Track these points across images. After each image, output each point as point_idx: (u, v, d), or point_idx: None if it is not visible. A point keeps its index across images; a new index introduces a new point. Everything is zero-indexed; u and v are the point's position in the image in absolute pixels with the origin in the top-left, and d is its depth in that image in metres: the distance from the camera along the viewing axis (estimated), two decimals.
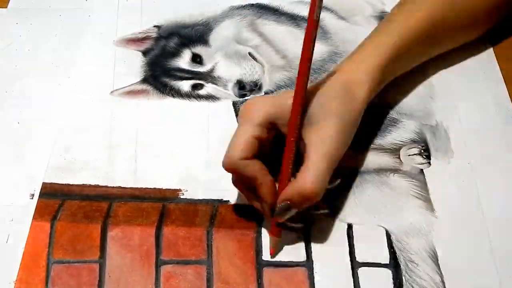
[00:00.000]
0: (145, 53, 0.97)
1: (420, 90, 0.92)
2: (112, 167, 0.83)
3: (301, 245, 0.75)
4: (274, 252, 0.74)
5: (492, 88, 0.92)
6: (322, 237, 0.76)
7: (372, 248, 0.75)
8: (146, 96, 0.92)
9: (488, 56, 0.95)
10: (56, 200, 0.79)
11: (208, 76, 0.93)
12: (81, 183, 0.81)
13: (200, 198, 0.80)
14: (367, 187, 0.81)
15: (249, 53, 0.95)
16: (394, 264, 0.74)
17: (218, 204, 0.79)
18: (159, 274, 0.72)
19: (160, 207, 0.78)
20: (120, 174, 0.82)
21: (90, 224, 0.76)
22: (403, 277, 0.72)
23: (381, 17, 1.02)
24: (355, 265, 0.73)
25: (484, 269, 0.73)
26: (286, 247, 0.75)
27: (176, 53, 0.95)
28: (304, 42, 0.70)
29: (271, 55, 0.96)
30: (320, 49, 0.97)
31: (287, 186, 0.69)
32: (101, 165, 0.83)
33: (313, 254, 0.74)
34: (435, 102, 0.90)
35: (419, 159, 0.84)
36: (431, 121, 0.88)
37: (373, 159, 0.84)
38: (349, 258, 0.74)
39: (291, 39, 0.98)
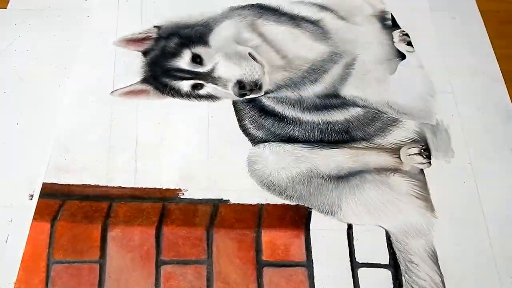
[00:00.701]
0: (145, 53, 0.96)
1: (420, 89, 0.92)
2: (112, 167, 0.83)
3: (301, 245, 0.75)
4: None
5: (493, 88, 0.92)
6: (322, 237, 0.76)
7: (372, 249, 0.75)
8: (146, 96, 0.92)
9: (488, 56, 0.95)
10: (56, 200, 0.79)
11: (208, 76, 0.93)
12: (81, 183, 0.81)
13: (200, 198, 0.80)
14: (367, 186, 0.81)
15: (249, 53, 0.95)
16: (394, 265, 0.74)
17: (218, 204, 0.79)
18: (159, 274, 0.72)
19: (160, 207, 0.78)
20: (120, 174, 0.82)
21: (90, 224, 0.76)
22: (403, 278, 0.72)
23: (381, 17, 1.02)
24: (355, 266, 0.73)
25: (484, 269, 0.73)
26: (286, 247, 0.75)
27: (176, 54, 0.95)
28: None
29: (271, 55, 0.96)
30: (320, 49, 0.96)
31: None
32: (101, 165, 0.83)
33: (313, 254, 0.74)
34: (435, 101, 0.90)
35: (419, 158, 0.84)
36: (431, 120, 0.88)
37: (373, 158, 0.84)
38: (349, 259, 0.74)
39: (291, 40, 0.98)
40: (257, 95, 0.91)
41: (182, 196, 0.80)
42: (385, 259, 0.74)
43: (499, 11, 1.05)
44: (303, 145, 0.85)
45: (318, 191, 0.80)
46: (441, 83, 0.93)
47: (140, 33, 0.99)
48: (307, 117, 0.89)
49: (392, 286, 0.72)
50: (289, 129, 0.88)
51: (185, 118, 0.89)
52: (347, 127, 0.88)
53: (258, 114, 0.90)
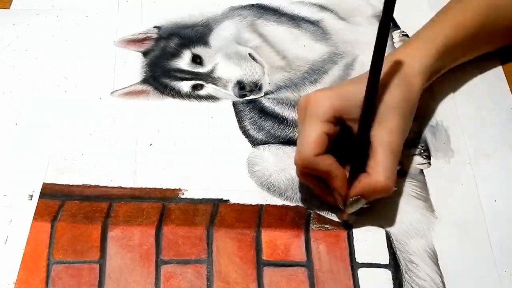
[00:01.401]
0: (145, 53, 0.97)
1: None
2: (112, 167, 0.83)
3: (301, 245, 0.75)
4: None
5: (493, 87, 0.92)
6: (322, 237, 0.76)
7: (372, 249, 0.75)
8: (146, 96, 0.92)
9: (490, 56, 0.95)
10: (56, 201, 0.79)
11: (208, 77, 0.93)
12: (81, 184, 0.81)
13: (200, 197, 0.80)
14: None
15: (249, 54, 0.95)
16: (394, 265, 0.74)
17: (218, 203, 0.79)
18: (159, 274, 0.72)
19: (160, 207, 0.78)
20: (120, 174, 0.82)
21: (90, 225, 0.76)
22: (403, 278, 0.73)
23: None
24: (355, 266, 0.73)
25: (484, 269, 0.73)
26: (286, 247, 0.75)
27: (176, 54, 0.95)
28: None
29: (271, 55, 0.96)
30: (320, 50, 0.97)
31: (359, 181, 0.70)
32: (101, 165, 0.83)
33: (313, 254, 0.74)
34: (435, 101, 0.90)
35: (419, 159, 0.84)
36: (431, 121, 0.88)
37: None
38: (349, 259, 0.74)
39: (291, 40, 0.98)
40: (257, 96, 0.91)
41: (182, 196, 0.80)
42: (385, 259, 0.74)
43: None
44: None
45: None
46: (441, 83, 0.93)
47: (140, 33, 0.99)
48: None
49: (392, 286, 0.72)
50: (289, 131, 0.88)
51: (185, 119, 0.89)
52: None
53: (258, 116, 0.90)
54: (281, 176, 0.82)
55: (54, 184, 0.81)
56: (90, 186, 0.81)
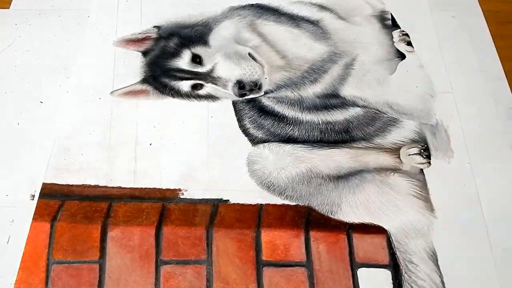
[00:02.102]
0: (145, 53, 0.96)
1: (420, 89, 0.92)
2: (112, 167, 0.83)
3: (301, 245, 0.75)
4: None
5: (493, 87, 0.92)
6: (322, 237, 0.76)
7: (372, 249, 0.75)
8: (146, 96, 0.92)
9: (489, 56, 0.95)
10: (56, 201, 0.79)
11: (208, 76, 0.93)
12: (81, 184, 0.81)
13: (200, 198, 0.80)
14: (367, 186, 0.81)
15: (249, 54, 0.95)
16: (393, 265, 0.74)
17: (218, 203, 0.79)
18: (159, 274, 0.72)
19: (160, 207, 0.78)
20: (120, 174, 0.82)
21: (90, 225, 0.76)
22: (403, 278, 0.72)
23: (381, 16, 1.02)
24: (354, 266, 0.73)
25: (484, 269, 0.73)
26: (286, 247, 0.75)
27: (176, 54, 0.95)
28: None
29: (270, 55, 0.96)
30: (320, 49, 0.96)
31: None
32: (101, 165, 0.83)
33: (313, 254, 0.74)
34: (435, 101, 0.90)
35: (419, 158, 0.84)
36: (431, 120, 0.88)
37: (373, 158, 0.84)
38: (348, 259, 0.74)
39: (291, 40, 0.98)
40: (256, 95, 0.91)
41: (181, 196, 0.80)
42: (384, 259, 0.74)
43: (499, 11, 1.05)
44: (303, 145, 0.85)
45: (317, 191, 0.80)
46: (441, 83, 0.93)
47: (140, 33, 0.99)
48: (307, 117, 0.89)
49: (392, 286, 0.72)
50: (289, 129, 0.88)
51: (185, 118, 0.89)
52: (347, 127, 0.88)
53: (258, 114, 0.90)
54: (281, 175, 0.82)
55: (54, 184, 0.81)
56: (90, 186, 0.81)
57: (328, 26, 1.00)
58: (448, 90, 0.92)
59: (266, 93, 0.92)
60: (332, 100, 0.91)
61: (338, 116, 0.89)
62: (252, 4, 1.03)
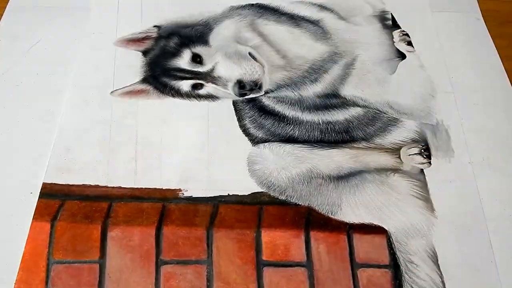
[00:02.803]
0: (145, 53, 0.96)
1: (421, 89, 0.92)
2: (112, 167, 0.83)
3: (301, 245, 0.75)
4: None
5: (493, 87, 0.92)
6: (322, 237, 0.76)
7: (372, 249, 0.75)
8: (146, 96, 0.92)
9: (490, 55, 0.95)
10: (56, 201, 0.78)
11: (208, 76, 0.93)
12: (81, 184, 0.81)
13: (200, 198, 0.80)
14: (367, 186, 0.81)
15: (249, 53, 0.95)
16: (393, 265, 0.74)
17: (218, 204, 0.79)
18: (159, 274, 0.72)
19: (160, 207, 0.78)
20: (120, 174, 0.82)
21: (90, 225, 0.76)
22: (403, 278, 0.72)
23: (381, 16, 1.02)
24: (355, 266, 0.73)
25: (484, 269, 0.73)
26: (286, 248, 0.75)
27: (176, 53, 0.95)
28: None
29: (271, 55, 0.96)
30: (320, 49, 0.96)
31: None
32: (101, 165, 0.83)
33: (313, 254, 0.74)
34: (435, 101, 0.90)
35: (420, 158, 0.84)
36: (432, 120, 0.88)
37: (373, 158, 0.84)
38: (348, 259, 0.74)
39: (291, 39, 0.98)
40: (257, 95, 0.91)
41: (182, 196, 0.80)
42: (385, 259, 0.74)
43: (499, 11, 1.05)
44: (303, 145, 0.85)
45: (318, 191, 0.80)
46: (441, 82, 0.93)
47: (140, 32, 0.99)
48: (307, 117, 0.89)
49: (392, 286, 0.72)
50: (289, 129, 0.88)
51: (185, 118, 0.89)
52: (347, 127, 0.88)
53: (258, 114, 0.90)
54: (281, 175, 0.82)
55: (54, 183, 0.80)
56: (90, 186, 0.81)
57: (329, 26, 1.00)
58: (448, 90, 0.92)
59: (266, 92, 0.92)
60: (332, 100, 0.91)
61: (338, 116, 0.89)
62: (253, 4, 1.03)
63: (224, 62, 0.94)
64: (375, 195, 0.80)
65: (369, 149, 0.85)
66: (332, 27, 1.00)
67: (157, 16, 1.01)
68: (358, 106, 0.90)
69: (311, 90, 0.92)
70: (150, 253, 0.74)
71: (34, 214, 0.77)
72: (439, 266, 0.73)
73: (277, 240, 0.75)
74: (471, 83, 0.93)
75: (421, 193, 0.80)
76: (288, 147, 0.85)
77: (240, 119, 0.89)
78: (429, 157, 0.84)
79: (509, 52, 0.96)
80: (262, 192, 0.80)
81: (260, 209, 0.78)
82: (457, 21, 1.02)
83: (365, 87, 0.91)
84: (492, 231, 0.76)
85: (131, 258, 0.73)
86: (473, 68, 0.94)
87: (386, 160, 0.84)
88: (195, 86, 0.92)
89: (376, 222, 0.78)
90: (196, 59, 0.94)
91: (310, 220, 0.77)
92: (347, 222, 0.77)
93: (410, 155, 0.84)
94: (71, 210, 0.78)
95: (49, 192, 0.80)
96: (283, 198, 0.80)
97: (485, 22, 1.02)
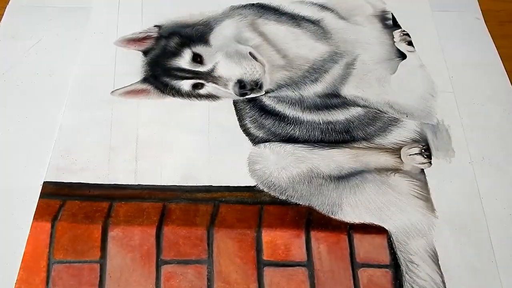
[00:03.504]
0: (145, 52, 0.96)
1: (421, 89, 0.92)
2: (112, 167, 0.83)
3: (302, 245, 0.75)
4: None
5: (493, 87, 0.92)
6: (322, 237, 0.76)
7: (372, 249, 0.75)
8: (147, 95, 0.92)
9: (490, 55, 0.95)
10: (57, 200, 0.78)
11: (209, 76, 0.93)
12: (82, 183, 0.81)
13: (201, 197, 0.80)
14: (367, 186, 0.81)
15: (250, 53, 0.95)
16: (394, 265, 0.74)
17: (218, 203, 0.79)
18: (160, 274, 0.72)
19: (161, 207, 0.78)
20: (121, 174, 0.82)
21: (90, 224, 0.76)
22: (403, 278, 0.73)
23: (382, 16, 1.02)
24: (355, 266, 0.73)
25: (484, 269, 0.73)
26: (287, 247, 0.75)
27: (176, 53, 0.95)
28: None
29: (271, 54, 0.96)
30: (320, 49, 0.96)
31: None
32: (102, 165, 0.83)
33: (313, 254, 0.74)
34: (436, 101, 0.90)
35: (420, 158, 0.84)
36: (432, 120, 0.88)
37: (374, 158, 0.84)
38: (349, 259, 0.74)
39: (292, 39, 0.98)
40: (257, 95, 0.91)
41: (182, 196, 0.80)
42: (385, 259, 0.74)
43: (499, 11, 1.05)
44: (304, 145, 0.85)
45: (318, 191, 0.80)
46: (442, 82, 0.93)
47: (140, 32, 0.99)
48: (307, 116, 0.89)
49: (392, 286, 0.72)
50: (290, 129, 0.88)
51: (186, 118, 0.89)
52: (347, 127, 0.88)
53: (259, 114, 0.90)
54: (282, 175, 0.82)
55: (55, 183, 0.80)
56: (90, 185, 0.81)
57: (329, 25, 1.00)
58: (449, 90, 0.92)
59: (267, 92, 0.92)
60: (333, 99, 0.91)
61: (339, 116, 0.89)
62: (253, 4, 1.03)
63: (224, 62, 0.94)
64: (375, 195, 0.80)
65: (370, 149, 0.85)
66: (332, 27, 1.00)
67: (158, 15, 1.01)
68: (359, 106, 0.90)
69: (312, 90, 0.92)
70: (151, 253, 0.74)
71: (34, 214, 0.77)
72: (439, 266, 0.73)
73: (277, 240, 0.75)
74: (471, 83, 0.93)
75: (422, 193, 0.80)
76: (289, 147, 0.85)
77: (240, 119, 0.89)
78: (429, 157, 0.84)
79: (509, 52, 0.96)
80: (263, 192, 0.80)
81: (261, 209, 0.78)
82: (457, 21, 1.02)
83: (365, 87, 0.91)
84: (492, 231, 0.76)
85: (132, 258, 0.73)
86: (473, 68, 0.94)
87: (386, 160, 0.84)
88: (196, 86, 0.92)
89: (376, 222, 0.78)
90: (197, 58, 0.94)
91: (310, 220, 0.77)
92: (348, 222, 0.77)
93: (410, 155, 0.84)
94: (72, 210, 0.78)
95: (50, 192, 0.80)
96: (284, 198, 0.80)
97: (485, 22, 1.02)
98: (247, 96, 0.91)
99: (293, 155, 0.84)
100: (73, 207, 0.78)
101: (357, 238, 0.76)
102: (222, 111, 0.90)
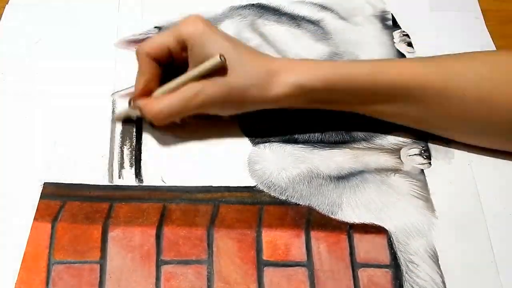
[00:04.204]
0: None
1: None
2: (112, 168, 0.83)
3: (301, 245, 0.75)
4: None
5: None
6: (322, 237, 0.76)
7: (372, 249, 0.75)
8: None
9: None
10: (57, 201, 0.79)
11: None
12: (82, 184, 0.81)
13: (201, 198, 0.80)
14: (367, 186, 0.81)
15: None
16: (394, 265, 0.74)
17: (218, 203, 0.79)
18: (160, 274, 0.72)
19: (161, 208, 0.78)
20: (121, 174, 0.82)
21: (91, 225, 0.76)
22: (403, 278, 0.73)
23: (382, 17, 1.02)
24: (355, 266, 0.74)
25: (485, 269, 0.73)
26: (287, 247, 0.75)
27: None
28: None
29: (271, 55, 0.96)
30: (320, 50, 0.97)
31: (148, 97, 0.81)
32: (102, 165, 0.83)
33: (313, 254, 0.74)
34: None
35: (420, 159, 0.84)
36: None
37: (373, 159, 0.84)
38: (349, 259, 0.74)
39: (292, 40, 0.98)
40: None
41: (182, 196, 0.80)
42: (385, 259, 0.74)
43: (499, 11, 1.05)
44: (304, 146, 0.85)
45: (318, 191, 0.80)
46: None
47: (140, 33, 0.99)
48: (307, 117, 0.89)
49: (392, 286, 0.72)
50: (290, 129, 0.88)
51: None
52: (347, 127, 0.88)
53: (259, 114, 0.90)
54: (282, 175, 0.82)
55: (55, 184, 0.81)
56: (90, 186, 0.81)
57: (329, 26, 1.00)
58: None
59: None
60: None
61: (339, 116, 0.89)
62: (253, 4, 1.04)
63: None
64: (375, 195, 0.80)
65: (370, 149, 0.85)
66: (332, 27, 1.00)
67: (158, 16, 1.01)
68: None
69: None
70: (151, 253, 0.74)
71: (35, 215, 0.77)
72: (439, 266, 0.73)
73: (277, 240, 0.75)
74: None
75: (421, 193, 0.80)
76: (289, 147, 0.85)
77: (240, 119, 0.89)
78: (429, 157, 0.84)
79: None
80: (263, 192, 0.80)
81: (261, 209, 0.78)
82: (457, 21, 1.02)
83: None
84: (492, 231, 0.77)
85: (132, 258, 0.74)
86: None
87: (386, 160, 0.84)
88: None
89: (376, 222, 0.78)
90: None
91: (310, 220, 0.77)
92: (348, 222, 0.78)
93: (410, 155, 0.85)
94: (72, 211, 0.78)
95: (50, 193, 0.80)
96: (284, 198, 0.80)
97: (485, 21, 1.02)
98: None
99: (293, 156, 0.84)
100: (73, 207, 0.78)
101: (357, 238, 0.76)
102: None
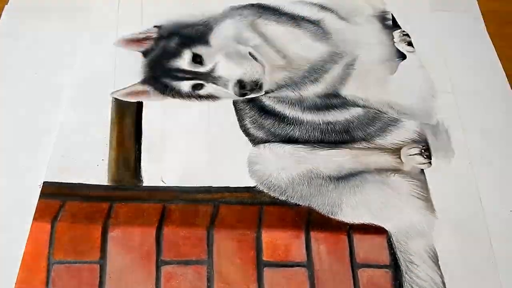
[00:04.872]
0: (145, 53, 0.96)
1: (421, 89, 0.92)
2: (112, 167, 0.83)
3: (301, 246, 0.75)
4: None
5: (493, 88, 0.92)
6: (322, 237, 0.76)
7: (372, 249, 0.75)
8: (147, 97, 0.91)
9: (490, 55, 0.95)
10: (57, 201, 0.78)
11: (209, 76, 0.93)
12: (82, 184, 0.81)
13: (201, 198, 0.80)
14: (368, 187, 0.81)
15: (250, 53, 0.95)
16: (394, 265, 0.74)
17: (218, 204, 0.79)
18: (160, 274, 0.72)
19: (161, 208, 0.78)
20: (121, 174, 0.82)
21: (90, 225, 0.76)
22: (403, 278, 0.73)
23: (382, 17, 1.02)
24: (355, 266, 0.74)
25: (484, 270, 0.73)
26: (287, 248, 0.75)
27: (176, 53, 0.95)
28: None
29: (271, 55, 0.96)
30: (320, 49, 0.96)
31: None
32: (102, 165, 0.83)
33: (313, 255, 0.74)
34: (435, 101, 0.90)
35: (420, 159, 0.84)
36: (432, 120, 0.88)
37: (374, 159, 0.84)
38: (349, 259, 0.74)
39: (292, 39, 0.98)
40: (257, 95, 0.91)
41: (182, 197, 0.80)
42: (385, 260, 0.74)
43: (499, 11, 1.05)
44: (304, 146, 0.85)
45: (318, 191, 0.80)
46: (441, 83, 0.93)
47: (140, 33, 0.99)
48: (307, 117, 0.89)
49: (392, 286, 0.72)
50: (289, 129, 0.88)
51: (186, 119, 0.89)
52: (347, 127, 0.88)
53: (259, 114, 0.90)
54: (282, 175, 0.82)
55: (55, 183, 0.80)
56: (90, 186, 0.81)
57: (329, 26, 1.00)
58: (448, 90, 0.92)
59: (266, 92, 0.92)
60: (332, 100, 0.91)
61: (338, 116, 0.89)
62: (253, 4, 1.03)
63: (224, 62, 0.94)
64: (375, 195, 0.80)
65: (370, 149, 0.85)
66: (332, 27, 1.00)
67: (158, 16, 1.01)
68: (359, 106, 0.90)
69: (312, 90, 0.92)
70: (151, 253, 0.74)
71: (34, 215, 0.77)
72: (439, 266, 0.73)
73: (277, 240, 0.75)
74: (471, 83, 0.93)
75: (422, 193, 0.80)
76: (289, 147, 0.85)
77: (240, 119, 0.89)
78: (429, 157, 0.84)
79: (509, 52, 0.96)
80: (263, 192, 0.80)
81: (261, 210, 0.78)
82: (457, 21, 1.02)
83: (365, 87, 0.91)
84: (492, 231, 0.77)
85: (132, 259, 0.73)
86: (473, 68, 0.94)
87: (386, 160, 0.84)
88: (196, 87, 0.92)
89: (376, 222, 0.78)
90: (197, 59, 0.94)
91: (310, 221, 0.77)
92: (348, 222, 0.77)
93: (410, 155, 0.84)
94: (72, 211, 0.78)
95: (50, 193, 0.80)
96: (284, 199, 0.80)
97: (485, 22, 1.02)
98: (247, 97, 0.91)
99: (292, 156, 0.84)
100: (73, 207, 0.78)
101: (357, 238, 0.76)
102: (222, 111, 0.90)
